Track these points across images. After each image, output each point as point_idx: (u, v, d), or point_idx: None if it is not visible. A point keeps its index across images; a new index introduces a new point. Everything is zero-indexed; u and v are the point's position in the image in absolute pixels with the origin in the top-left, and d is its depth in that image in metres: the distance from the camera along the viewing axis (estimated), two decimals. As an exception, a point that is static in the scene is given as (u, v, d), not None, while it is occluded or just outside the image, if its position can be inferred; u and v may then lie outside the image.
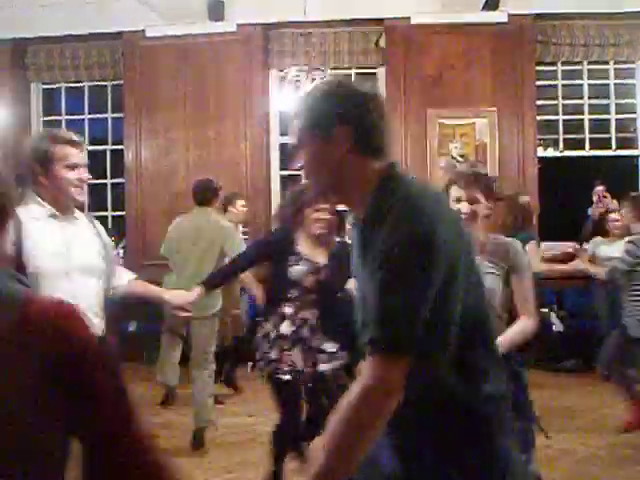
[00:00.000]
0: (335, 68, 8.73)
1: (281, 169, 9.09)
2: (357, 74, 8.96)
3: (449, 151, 8.39)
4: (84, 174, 3.14)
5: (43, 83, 9.61)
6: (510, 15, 8.28)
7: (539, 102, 8.54)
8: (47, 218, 3.09)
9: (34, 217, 3.03)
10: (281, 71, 8.78)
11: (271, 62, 8.89)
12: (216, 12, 8.62)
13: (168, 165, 8.88)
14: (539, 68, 8.54)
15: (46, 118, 9.70)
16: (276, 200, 8.49)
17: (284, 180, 8.89)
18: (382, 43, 8.65)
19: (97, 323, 3.00)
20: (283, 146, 9.15)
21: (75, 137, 3.17)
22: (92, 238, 3.22)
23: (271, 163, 8.96)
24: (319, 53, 8.55)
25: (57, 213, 3.11)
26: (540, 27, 8.40)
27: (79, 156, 3.13)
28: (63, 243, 3.06)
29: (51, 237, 3.04)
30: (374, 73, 8.94)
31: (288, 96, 7.98)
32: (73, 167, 3.11)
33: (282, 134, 9.10)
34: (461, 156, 8.36)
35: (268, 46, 8.85)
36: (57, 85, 9.60)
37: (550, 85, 8.72)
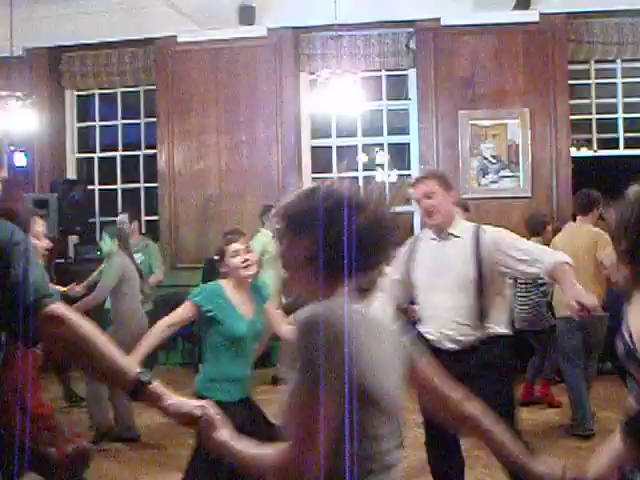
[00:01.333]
0: (366, 71, 8.73)
1: (313, 172, 9.11)
2: (388, 76, 8.95)
3: (481, 152, 8.35)
4: None
5: (77, 90, 9.74)
6: (542, 14, 8.21)
7: (572, 101, 8.45)
8: None
9: None
10: (312, 74, 8.80)
11: (302, 66, 8.92)
12: (247, 17, 8.67)
13: (200, 169, 8.95)
14: (572, 67, 8.45)
15: (80, 124, 9.84)
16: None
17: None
18: (412, 45, 8.63)
19: None
20: (314, 149, 9.17)
21: None
22: None
23: (303, 166, 8.98)
24: (350, 56, 8.55)
25: None
26: (572, 25, 8.31)
27: None
28: None
29: None
30: (405, 75, 8.93)
31: (319, 99, 8.01)
32: None
33: (313, 137, 9.13)
34: (493, 157, 8.32)
35: (299, 50, 8.88)
36: (91, 91, 9.73)
37: (583, 84, 8.63)
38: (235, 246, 3.77)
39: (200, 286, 4.01)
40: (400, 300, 3.91)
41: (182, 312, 3.69)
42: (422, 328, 3.74)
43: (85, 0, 8.78)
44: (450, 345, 3.62)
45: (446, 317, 3.64)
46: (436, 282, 3.68)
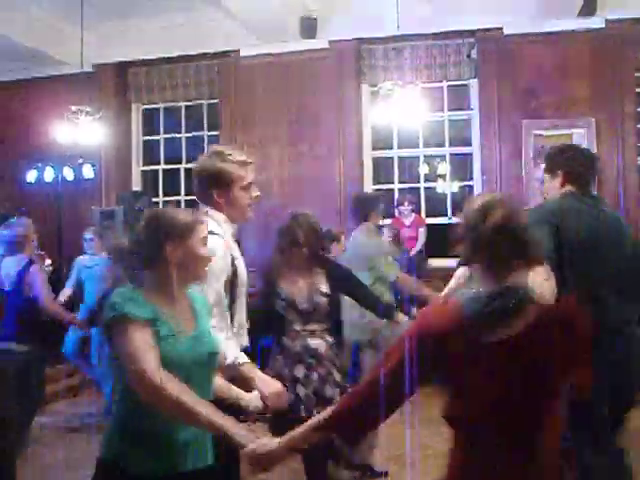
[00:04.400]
0: (427, 81, 8.70)
1: (374, 183, 9.11)
2: (449, 87, 8.90)
3: (545, 162, 8.20)
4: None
5: (143, 104, 9.96)
6: (607, 20, 8.05)
7: (640, 110, 8.27)
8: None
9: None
10: (373, 86, 8.81)
11: (363, 77, 8.94)
12: (309, 30, 8.74)
13: (263, 181, 9.00)
14: (639, 74, 8.26)
15: (145, 137, 10.06)
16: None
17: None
18: (474, 55, 8.57)
19: None
20: (376, 160, 9.17)
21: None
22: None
23: (364, 177, 8.98)
24: (411, 67, 8.53)
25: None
26: (639, 31, 8.14)
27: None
28: None
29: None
30: (467, 85, 8.86)
31: (380, 110, 8.01)
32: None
33: (375, 148, 9.13)
34: (558, 167, 8.17)
35: (360, 62, 8.90)
36: (156, 105, 9.93)
37: (651, 92, 8.43)
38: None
39: None
40: None
41: None
42: None
43: (150, 16, 8.98)
44: None
45: None
46: None
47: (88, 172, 9.10)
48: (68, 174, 9.07)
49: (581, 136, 8.13)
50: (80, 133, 8.22)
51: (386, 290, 5.60)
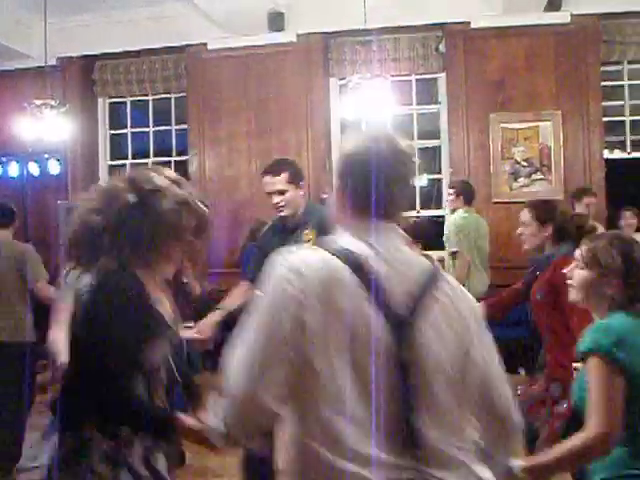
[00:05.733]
0: (395, 75, 8.71)
1: (343, 177, 9.11)
2: (417, 80, 8.93)
3: (512, 155, 8.29)
4: None
5: (109, 97, 9.85)
6: (573, 15, 8.13)
7: (605, 103, 8.36)
8: None
9: None
10: (341, 79, 8.81)
11: (331, 71, 8.94)
12: (276, 23, 8.71)
13: (231, 175, 8.99)
14: (604, 68, 8.36)
15: (112, 132, 9.95)
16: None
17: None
18: (442, 48, 8.61)
19: None
20: (344, 154, 9.17)
21: None
22: None
23: (333, 170, 8.96)
24: (379, 60, 8.53)
25: None
26: (604, 26, 8.22)
27: None
28: None
29: None
30: (435, 79, 8.90)
31: (349, 104, 8.01)
32: None
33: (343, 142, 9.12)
34: (525, 160, 8.25)
35: (328, 55, 8.89)
36: (123, 99, 9.83)
37: (616, 85, 8.53)
38: None
39: None
40: None
41: None
42: None
43: (117, 9, 8.88)
44: None
45: None
46: None
47: (54, 167, 8.98)
48: (33, 169, 8.95)
49: (547, 129, 8.22)
50: (45, 127, 8.10)
51: None
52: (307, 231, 3.96)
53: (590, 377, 2.31)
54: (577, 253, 2.61)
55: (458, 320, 1.81)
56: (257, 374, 1.69)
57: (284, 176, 4.05)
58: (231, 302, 4.07)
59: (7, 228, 5.67)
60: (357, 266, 1.72)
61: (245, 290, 4.06)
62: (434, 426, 1.71)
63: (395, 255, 1.81)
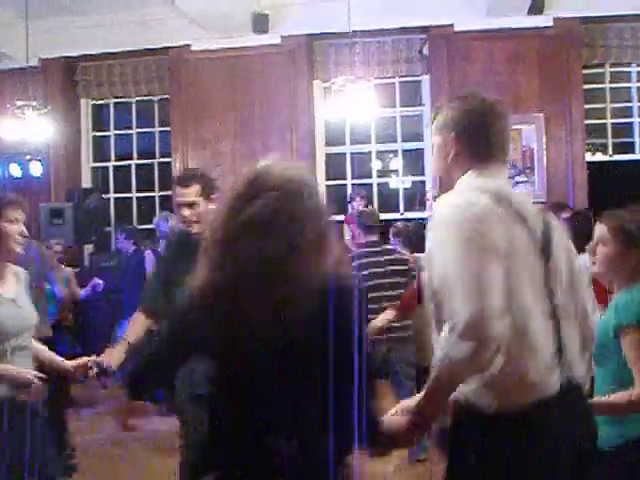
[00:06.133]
0: (379, 77, 8.73)
1: (327, 179, 9.11)
2: (401, 83, 8.95)
3: (496, 158, 8.30)
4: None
5: (92, 99, 9.80)
6: (556, 19, 8.18)
7: (587, 106, 8.41)
8: None
9: None
10: (325, 82, 8.81)
11: (315, 73, 8.94)
12: (260, 25, 8.70)
13: (215, 177, 8.94)
14: (586, 71, 8.42)
15: (95, 133, 9.90)
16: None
17: (330, 190, 8.91)
18: (426, 51, 8.63)
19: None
20: (328, 156, 9.18)
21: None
22: None
23: (317, 173, 8.98)
24: (363, 63, 8.54)
25: None
26: (586, 30, 8.28)
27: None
28: None
29: None
30: (418, 81, 8.92)
31: (333, 106, 8.01)
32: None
33: (327, 144, 9.13)
34: (508, 163, 8.28)
35: (312, 57, 8.89)
36: (106, 101, 9.78)
37: (598, 88, 8.59)
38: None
39: None
40: None
41: None
42: None
43: (99, 11, 8.83)
44: None
45: None
46: None
47: (36, 169, 8.91)
48: (15, 171, 8.88)
49: (530, 132, 8.25)
50: (27, 129, 8.04)
51: None
52: None
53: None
54: (597, 231, 2.80)
55: (566, 245, 2.14)
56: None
57: (195, 188, 3.71)
58: (132, 334, 3.56)
59: None
60: (501, 200, 2.03)
61: (142, 321, 3.63)
62: (569, 337, 2.03)
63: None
